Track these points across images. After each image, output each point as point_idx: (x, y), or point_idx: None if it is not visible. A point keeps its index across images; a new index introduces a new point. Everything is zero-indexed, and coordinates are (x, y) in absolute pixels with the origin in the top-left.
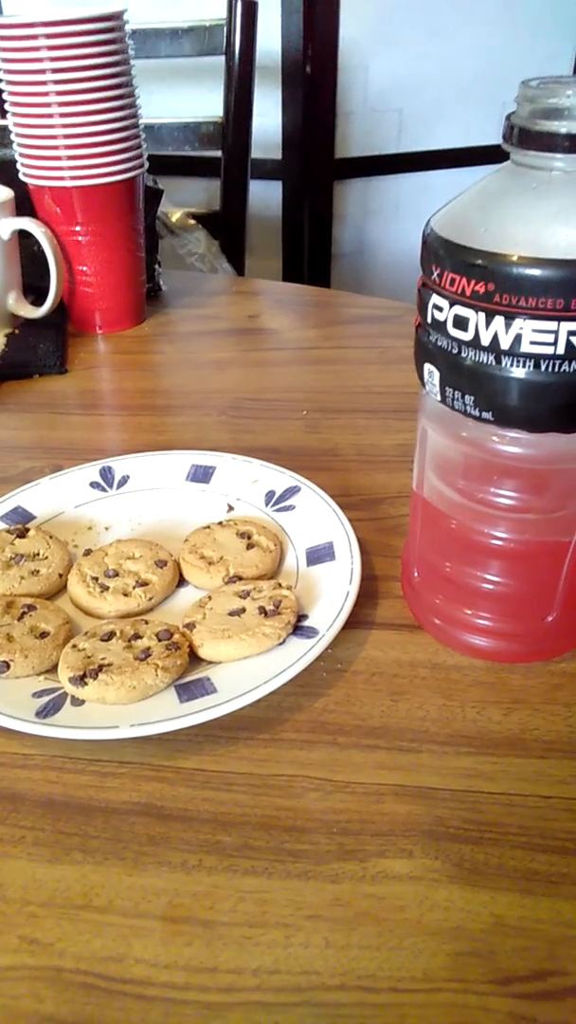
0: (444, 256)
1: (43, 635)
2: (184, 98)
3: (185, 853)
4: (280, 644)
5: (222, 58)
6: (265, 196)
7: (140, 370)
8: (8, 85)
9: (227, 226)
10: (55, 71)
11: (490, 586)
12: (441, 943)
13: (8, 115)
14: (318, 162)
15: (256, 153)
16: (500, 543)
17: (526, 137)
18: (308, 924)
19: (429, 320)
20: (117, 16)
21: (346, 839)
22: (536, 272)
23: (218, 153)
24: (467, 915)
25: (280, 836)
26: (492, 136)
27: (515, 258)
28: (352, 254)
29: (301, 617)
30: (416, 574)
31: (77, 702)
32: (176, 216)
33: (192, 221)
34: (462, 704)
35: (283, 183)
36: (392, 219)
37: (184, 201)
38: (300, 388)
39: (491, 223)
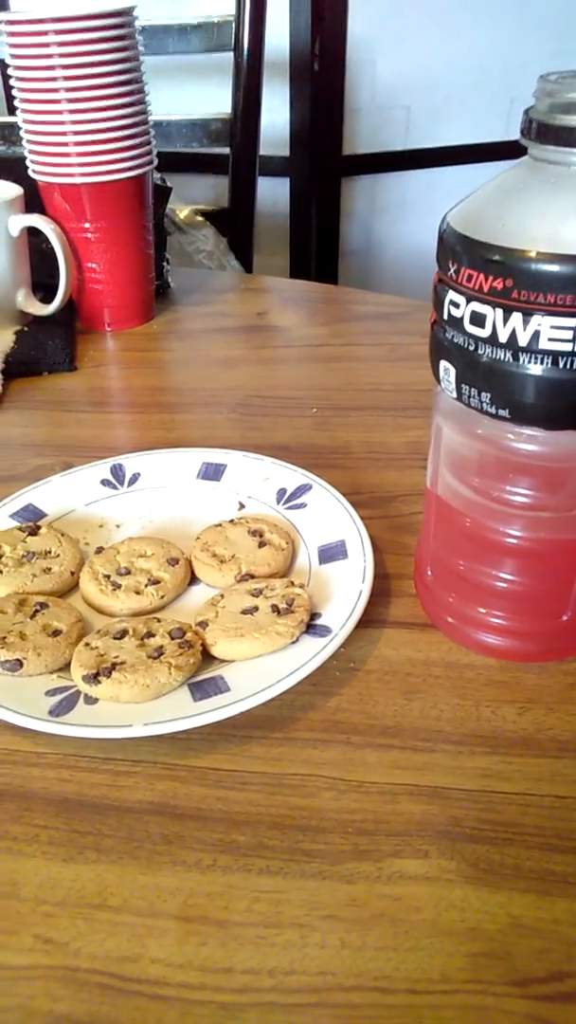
0: (461, 252)
1: (56, 633)
2: (192, 95)
3: (199, 852)
4: (293, 643)
5: (230, 55)
6: (273, 193)
7: (149, 367)
8: (18, 81)
9: (235, 223)
10: (65, 67)
11: (504, 585)
12: (457, 944)
13: (18, 112)
14: (326, 159)
15: (264, 150)
16: (515, 541)
17: (545, 132)
18: (323, 924)
19: (445, 317)
20: (127, 12)
21: (360, 839)
22: (555, 268)
23: (226, 150)
24: (483, 916)
25: (294, 836)
26: (500, 133)
27: (533, 254)
28: (360, 251)
29: (314, 615)
30: (429, 572)
31: (90, 700)
32: (184, 213)
33: (200, 218)
34: (476, 703)
35: (291, 180)
36: (400, 216)
37: (192, 198)
38: (309, 385)
39: (509, 218)
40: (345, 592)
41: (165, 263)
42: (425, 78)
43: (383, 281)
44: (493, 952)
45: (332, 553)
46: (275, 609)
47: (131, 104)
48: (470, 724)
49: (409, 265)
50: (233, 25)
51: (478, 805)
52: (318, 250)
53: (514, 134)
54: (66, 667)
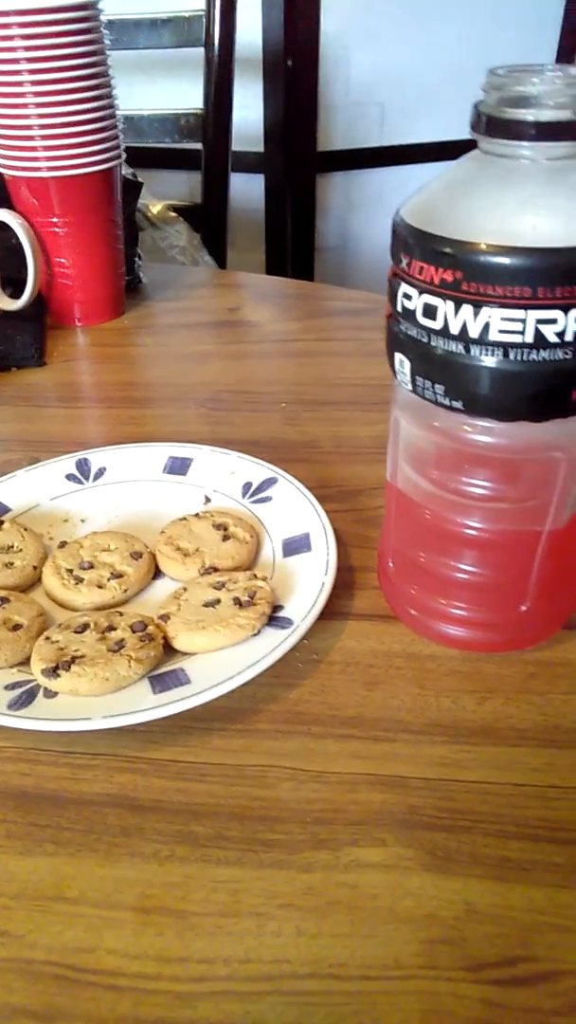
0: (413, 244)
1: (16, 627)
2: (165, 90)
3: (158, 844)
4: (255, 635)
5: (201, 50)
6: (247, 189)
7: (119, 363)
8: None
9: (208, 219)
10: (29, 60)
11: (464, 576)
12: (413, 931)
13: None
14: (300, 155)
15: (238, 146)
16: (474, 533)
17: (493, 125)
18: (280, 913)
19: (399, 309)
20: (92, 5)
21: (319, 828)
22: (503, 260)
23: (199, 145)
24: (439, 903)
25: (254, 826)
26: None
27: (483, 246)
28: (336, 248)
29: (276, 608)
30: (391, 564)
31: (50, 694)
32: (157, 209)
33: (173, 214)
34: (436, 693)
35: (265, 176)
36: (375, 213)
37: (165, 194)
38: (280, 380)
39: (459, 211)
40: (308, 584)
41: (137, 258)
42: (399, 74)
43: (360, 277)
44: (448, 938)
45: (296, 546)
46: (237, 602)
47: (97, 98)
48: (430, 714)
49: (385, 261)
50: (204, 19)
51: (436, 793)
52: (294, 246)
53: None
54: (26, 661)
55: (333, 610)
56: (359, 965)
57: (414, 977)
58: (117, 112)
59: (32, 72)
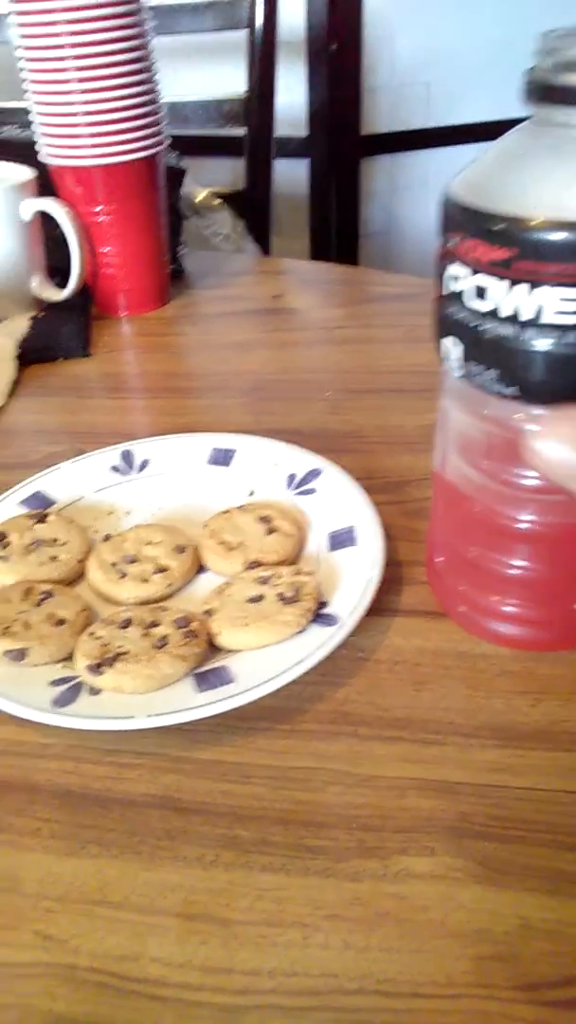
0: (462, 222)
1: (61, 622)
2: (208, 76)
3: (202, 848)
4: (300, 632)
5: (244, 33)
6: (291, 175)
7: (163, 352)
8: (28, 63)
9: (252, 205)
10: (74, 46)
11: (516, 571)
12: (464, 946)
13: (29, 94)
14: (344, 139)
15: (281, 131)
16: (526, 526)
17: (547, 92)
18: (327, 924)
19: (448, 292)
20: None
21: (367, 835)
22: (559, 236)
23: (242, 131)
24: (491, 917)
25: (299, 831)
26: (521, 108)
27: (536, 222)
28: (381, 232)
29: (322, 604)
30: (440, 559)
31: (94, 691)
32: (201, 196)
33: (217, 201)
34: (488, 695)
35: (309, 161)
36: (421, 196)
37: (209, 181)
38: (324, 369)
39: (511, 185)
40: (354, 580)
41: (180, 246)
42: (445, 54)
43: (405, 262)
44: (500, 955)
45: (342, 540)
46: (282, 597)
47: (141, 82)
48: (481, 716)
49: (431, 246)
50: (247, 2)
51: (487, 801)
52: (338, 232)
53: None
54: (71, 657)
55: (379, 606)
56: (409, 982)
57: (466, 996)
58: (160, 98)
59: (77, 58)
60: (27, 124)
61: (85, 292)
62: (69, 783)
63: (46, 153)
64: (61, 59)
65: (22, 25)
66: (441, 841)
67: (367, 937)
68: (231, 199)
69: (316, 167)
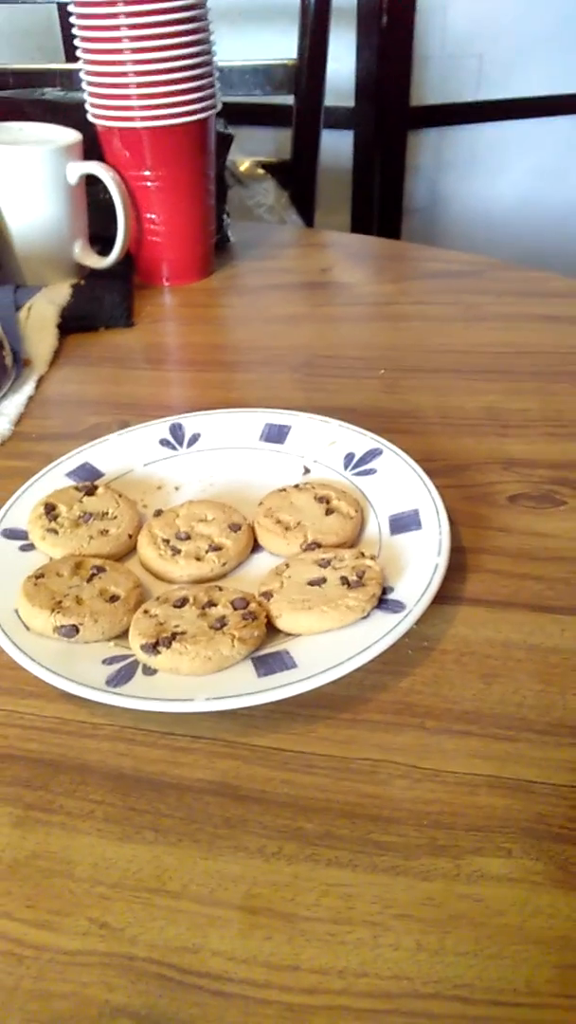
0: None
1: (113, 598)
2: (254, 41)
3: (263, 839)
4: (364, 618)
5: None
6: (335, 146)
7: (208, 324)
8: (79, 19)
9: (298, 176)
10: (127, 4)
11: None
12: (545, 953)
13: (79, 54)
14: (392, 111)
15: (327, 101)
16: None
17: None
18: (398, 924)
19: None
20: None
21: (437, 833)
22: None
23: (289, 100)
24: (573, 924)
25: (365, 826)
26: None
27: None
28: (424, 208)
29: (385, 590)
30: None
31: (149, 671)
32: (245, 165)
33: (261, 171)
34: (562, 690)
35: (355, 133)
36: (467, 172)
37: (253, 150)
38: (376, 346)
39: None
40: (419, 565)
41: (225, 216)
42: (499, 25)
43: (447, 240)
44: None
45: (405, 523)
46: (345, 581)
47: (195, 44)
48: (556, 713)
49: (476, 224)
50: None
51: (566, 802)
52: (381, 206)
53: None
54: (124, 635)
55: (444, 594)
56: (487, 988)
57: (549, 1006)
58: (215, 60)
59: (129, 16)
60: (68, 86)
61: (128, 260)
62: (122, 765)
63: (94, 114)
64: (115, 15)
65: None
66: (518, 842)
67: (441, 939)
68: (276, 169)
69: (361, 139)
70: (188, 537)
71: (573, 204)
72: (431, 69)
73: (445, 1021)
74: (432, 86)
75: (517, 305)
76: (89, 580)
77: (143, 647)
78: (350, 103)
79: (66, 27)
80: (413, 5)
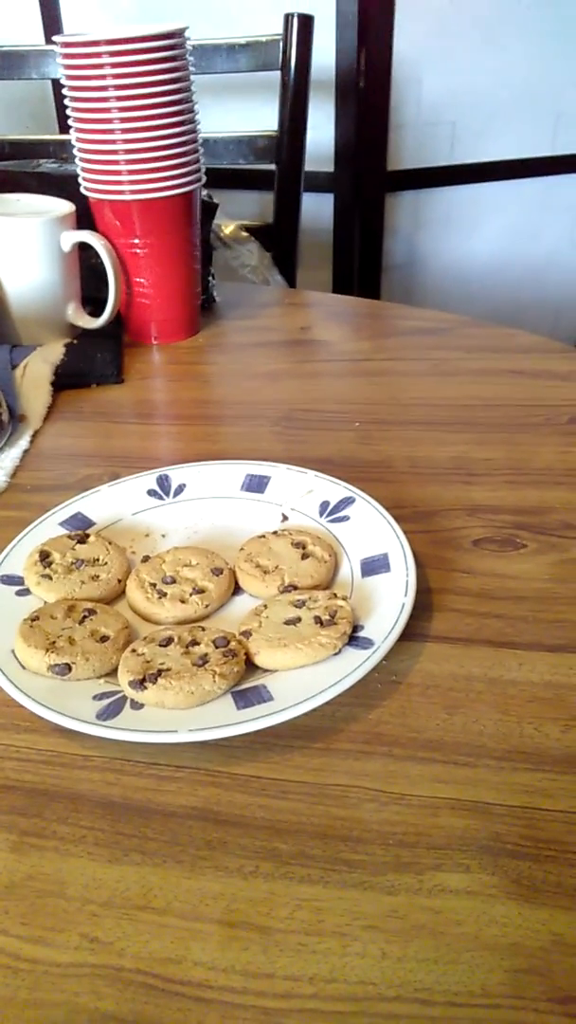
0: None
1: (104, 639)
2: (236, 112)
3: (242, 859)
4: (336, 654)
5: (277, 73)
6: (316, 208)
7: (194, 380)
8: (72, 102)
9: (280, 238)
10: (117, 87)
11: None
12: (499, 959)
13: (71, 131)
14: (370, 175)
15: (308, 166)
16: None
17: None
18: (364, 934)
19: None
20: (179, 34)
21: (402, 851)
22: None
23: (272, 166)
24: (525, 932)
25: (336, 845)
26: (546, 148)
27: None
28: (403, 266)
29: (356, 628)
30: None
31: (136, 706)
32: (229, 228)
33: (245, 233)
34: (519, 720)
35: (335, 195)
36: (443, 231)
37: (237, 213)
38: (352, 400)
39: None
40: (387, 605)
41: (211, 278)
42: (471, 94)
43: (426, 296)
44: (534, 968)
45: (375, 566)
46: (318, 620)
47: (181, 123)
48: (513, 740)
49: (452, 280)
50: (281, 44)
51: (521, 822)
52: (361, 265)
53: (561, 149)
54: (113, 672)
55: (411, 631)
56: (445, 991)
57: (501, 1007)
58: (199, 137)
59: (119, 99)
60: (62, 157)
61: (118, 320)
62: (111, 793)
63: (86, 187)
64: (105, 99)
65: (68, 66)
66: (476, 859)
67: (404, 948)
68: (259, 232)
69: (341, 202)
70: (173, 581)
71: (544, 261)
72: (407, 135)
73: (406, 1021)
74: (408, 151)
75: (485, 360)
76: (81, 622)
77: (131, 683)
78: (330, 168)
79: (59, 98)
80: (389, 77)
